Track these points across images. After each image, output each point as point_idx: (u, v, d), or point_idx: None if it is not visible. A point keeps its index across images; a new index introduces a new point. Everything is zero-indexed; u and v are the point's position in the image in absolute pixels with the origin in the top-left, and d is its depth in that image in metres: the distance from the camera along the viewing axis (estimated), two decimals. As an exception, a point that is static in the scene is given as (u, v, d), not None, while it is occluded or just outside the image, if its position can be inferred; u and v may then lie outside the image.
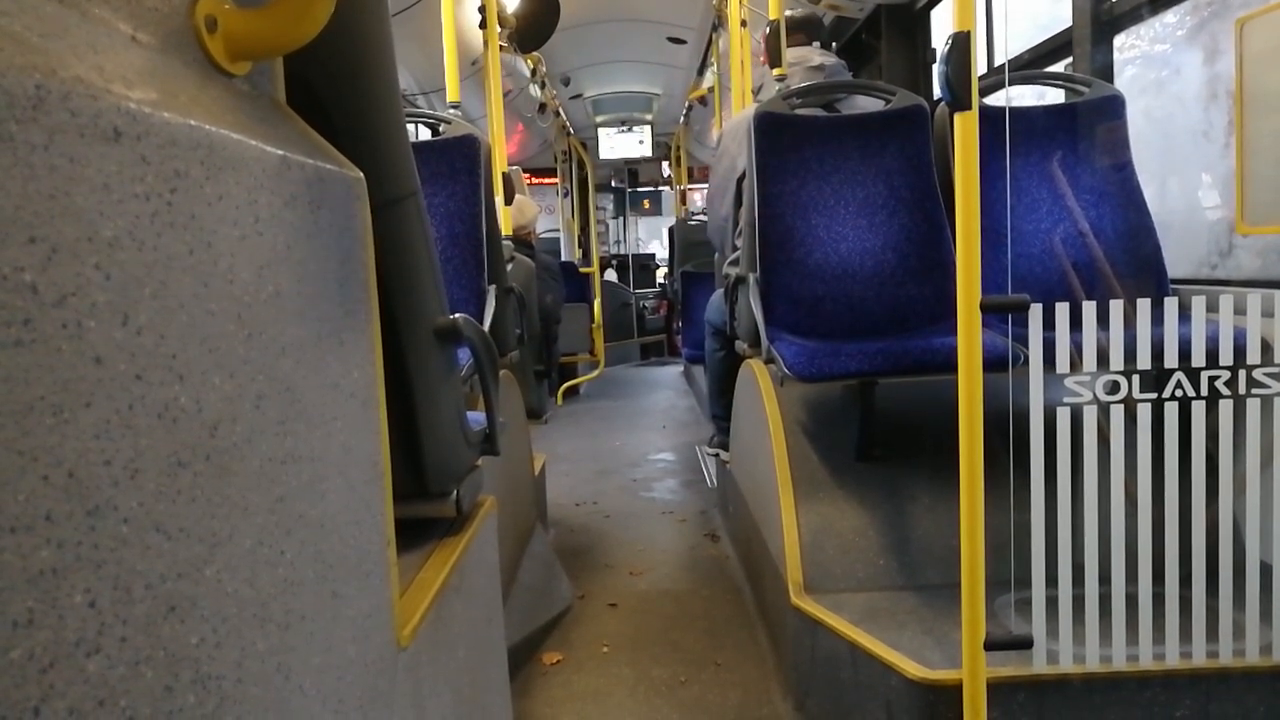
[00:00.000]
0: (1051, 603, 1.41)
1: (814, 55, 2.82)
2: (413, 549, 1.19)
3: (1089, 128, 2.34)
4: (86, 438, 0.42)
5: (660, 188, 11.09)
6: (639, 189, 11.05)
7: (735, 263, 2.68)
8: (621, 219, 11.31)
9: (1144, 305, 1.36)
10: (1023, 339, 1.39)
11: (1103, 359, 1.37)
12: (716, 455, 3.42)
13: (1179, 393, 1.37)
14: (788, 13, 3.02)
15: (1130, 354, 1.36)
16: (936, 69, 1.34)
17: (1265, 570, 1.39)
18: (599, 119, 8.90)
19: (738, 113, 3.28)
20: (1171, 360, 1.37)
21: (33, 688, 0.37)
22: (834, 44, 4.76)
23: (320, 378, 0.70)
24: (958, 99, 1.30)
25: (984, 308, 1.33)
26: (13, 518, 0.37)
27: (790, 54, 2.81)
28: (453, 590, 1.13)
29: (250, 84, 0.70)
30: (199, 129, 0.53)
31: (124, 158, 0.45)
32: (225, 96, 0.63)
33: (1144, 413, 1.39)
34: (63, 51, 0.44)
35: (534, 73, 6.02)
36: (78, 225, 0.42)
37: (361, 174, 0.82)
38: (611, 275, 9.78)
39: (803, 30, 2.96)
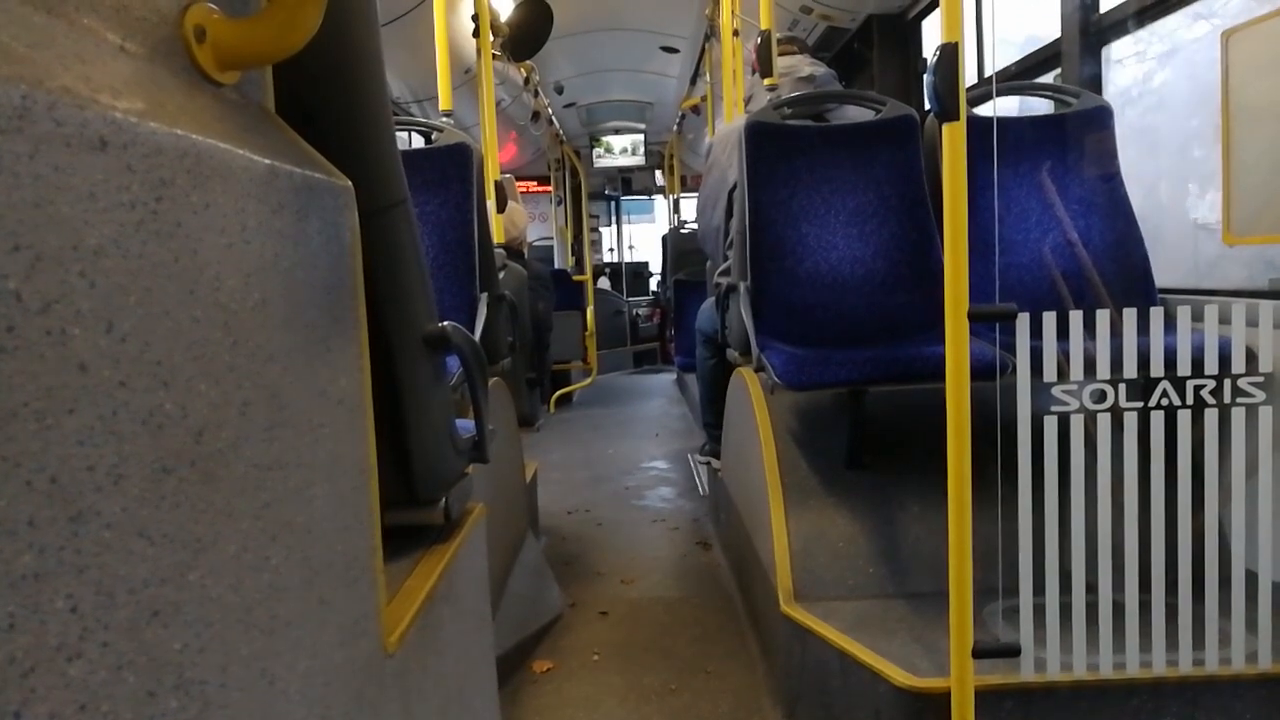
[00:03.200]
0: (1039, 611, 1.41)
1: (804, 65, 2.84)
2: (401, 556, 1.19)
3: (1077, 138, 2.36)
4: (70, 444, 0.42)
5: (653, 196, 11.12)
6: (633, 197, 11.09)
7: (726, 272, 2.69)
8: (615, 227, 11.33)
9: (1130, 314, 1.37)
10: (1011, 347, 1.40)
11: (1090, 368, 1.38)
12: (709, 463, 3.42)
13: (1165, 401, 1.38)
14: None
15: (1117, 363, 1.37)
16: (925, 80, 1.35)
17: (1251, 578, 1.40)
18: (592, 127, 8.93)
19: (729, 122, 3.29)
20: (1158, 369, 1.38)
21: (14, 692, 0.38)
22: (826, 53, 4.79)
23: (307, 385, 0.70)
24: (945, 109, 1.31)
25: (972, 317, 1.34)
26: None
27: (780, 63, 2.82)
28: (441, 597, 1.13)
29: (239, 93, 0.71)
30: (186, 138, 0.53)
31: (110, 167, 0.46)
32: (213, 106, 0.64)
33: (1130, 421, 1.40)
34: (50, 61, 0.44)
35: (527, 81, 6.03)
36: (63, 233, 0.42)
37: (350, 182, 0.82)
38: (604, 283, 9.79)
39: (796, 41, 2.99)
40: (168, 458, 0.50)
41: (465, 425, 1.41)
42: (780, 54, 2.86)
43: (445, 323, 1.19)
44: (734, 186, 2.58)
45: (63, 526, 0.41)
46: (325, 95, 0.94)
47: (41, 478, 0.40)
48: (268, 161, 0.64)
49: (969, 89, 1.33)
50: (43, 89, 0.41)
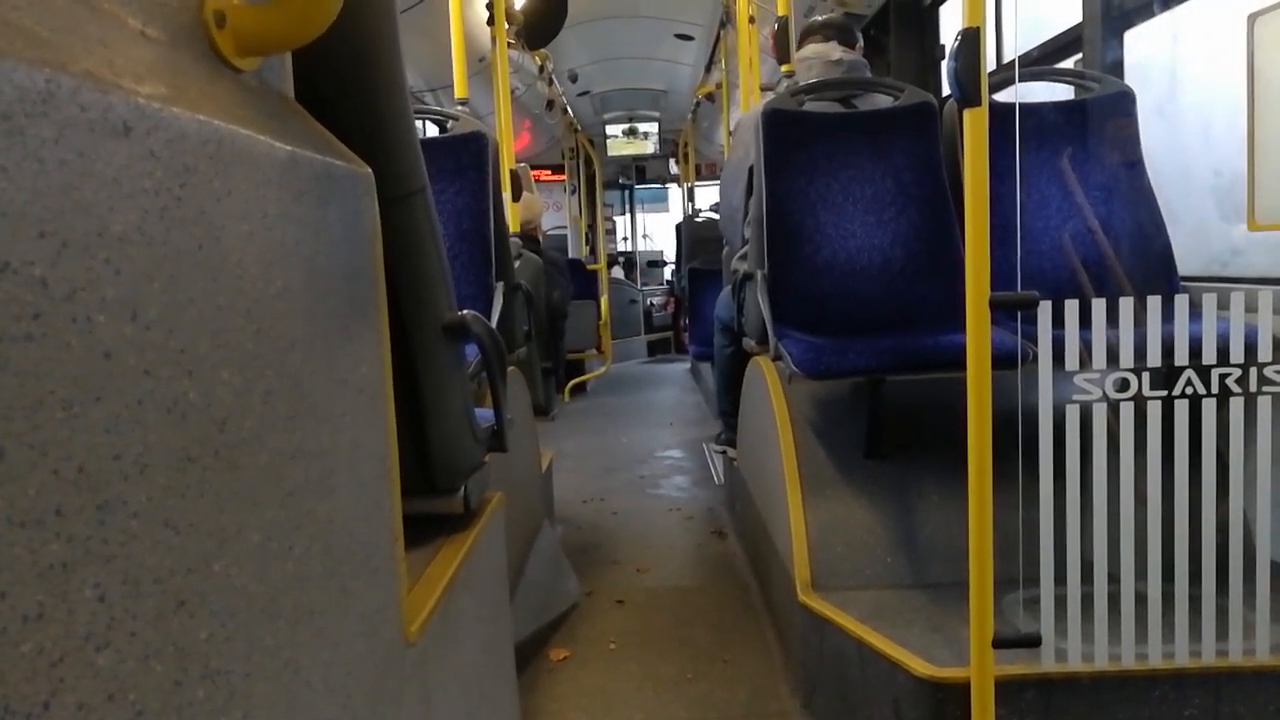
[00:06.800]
0: (1060, 601, 1.40)
1: (834, 50, 2.80)
2: (421, 545, 1.19)
3: (1099, 124, 2.33)
4: (96, 432, 0.42)
5: (667, 185, 11.09)
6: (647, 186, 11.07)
7: (745, 256, 2.67)
8: (629, 216, 11.31)
9: (1154, 302, 1.35)
10: (1032, 336, 1.39)
11: (1113, 356, 1.36)
12: (724, 452, 3.41)
13: (1189, 390, 1.37)
14: (818, 19, 2.99)
15: (1140, 351, 1.35)
16: (945, 65, 1.33)
17: (1276, 569, 1.38)
18: (606, 115, 8.90)
19: (745, 110, 3.27)
20: (1182, 358, 1.36)
21: (42, 682, 0.37)
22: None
23: (328, 373, 0.70)
24: (967, 95, 1.30)
25: (993, 305, 1.33)
26: (23, 512, 0.37)
27: (810, 49, 2.78)
28: (460, 586, 1.13)
29: (259, 80, 0.70)
30: (208, 124, 0.53)
31: (133, 153, 0.45)
32: (234, 92, 0.63)
33: (1154, 410, 1.38)
34: (73, 46, 0.44)
35: (541, 69, 6.01)
36: (87, 220, 0.42)
37: (370, 170, 0.82)
38: (618, 272, 9.78)
39: (832, 28, 2.90)
40: (192, 446, 0.49)
41: (484, 414, 1.41)
42: (814, 41, 2.81)
43: (465, 311, 1.19)
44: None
45: (90, 515, 0.41)
46: (344, 82, 0.94)
47: (69, 466, 0.40)
48: (289, 148, 0.64)
49: (989, 74, 1.32)
50: (66, 74, 0.41)
